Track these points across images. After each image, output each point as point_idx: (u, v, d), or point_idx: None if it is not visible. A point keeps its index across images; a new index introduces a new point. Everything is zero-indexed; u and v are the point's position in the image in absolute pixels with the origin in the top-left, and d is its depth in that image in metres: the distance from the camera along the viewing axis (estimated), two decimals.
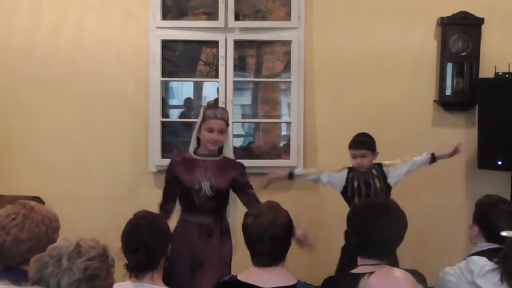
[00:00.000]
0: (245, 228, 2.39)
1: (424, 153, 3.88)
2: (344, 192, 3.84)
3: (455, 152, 3.93)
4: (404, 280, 1.74)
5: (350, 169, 3.83)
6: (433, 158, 3.89)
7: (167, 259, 2.40)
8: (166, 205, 3.50)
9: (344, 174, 3.85)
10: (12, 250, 2.11)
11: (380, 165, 3.85)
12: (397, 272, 1.80)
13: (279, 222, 2.35)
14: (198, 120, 3.49)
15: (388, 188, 3.85)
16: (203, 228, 3.42)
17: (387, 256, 2.35)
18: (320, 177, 3.94)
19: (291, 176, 4.03)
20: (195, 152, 3.49)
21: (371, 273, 1.80)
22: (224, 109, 3.62)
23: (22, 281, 1.67)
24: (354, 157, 3.77)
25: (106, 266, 1.66)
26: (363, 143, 3.79)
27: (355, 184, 3.80)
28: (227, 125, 3.46)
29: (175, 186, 3.48)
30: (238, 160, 3.62)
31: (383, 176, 3.82)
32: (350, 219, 2.46)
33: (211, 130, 3.38)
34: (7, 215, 2.15)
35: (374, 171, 3.82)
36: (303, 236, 3.19)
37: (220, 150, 3.50)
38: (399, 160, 3.87)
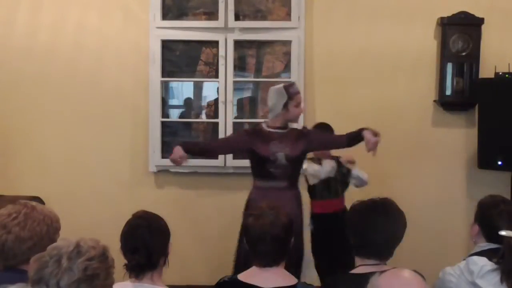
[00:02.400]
0: (246, 228, 2.39)
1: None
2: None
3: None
4: (414, 280, 1.74)
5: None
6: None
7: (166, 258, 2.40)
8: (212, 146, 3.86)
9: None
10: (13, 249, 2.11)
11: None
12: (406, 273, 1.80)
13: (280, 222, 2.35)
14: (281, 99, 3.66)
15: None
16: (278, 191, 3.61)
17: (387, 256, 2.35)
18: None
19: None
20: (267, 126, 3.75)
21: (381, 273, 1.79)
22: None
23: (23, 281, 1.67)
24: None
25: (106, 266, 1.66)
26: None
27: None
28: None
29: (239, 148, 3.84)
30: (302, 127, 3.97)
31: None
32: (349, 219, 2.46)
33: (298, 105, 3.69)
34: (9, 214, 2.16)
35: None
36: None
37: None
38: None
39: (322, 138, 3.90)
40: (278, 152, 3.64)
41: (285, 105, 3.66)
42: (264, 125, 3.77)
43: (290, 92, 3.66)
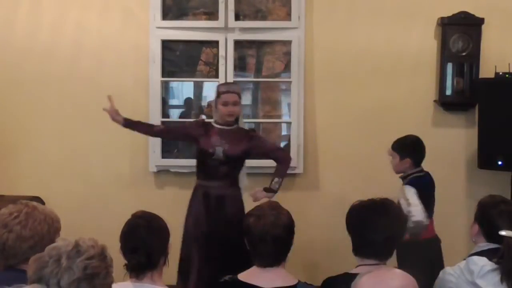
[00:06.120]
0: (247, 228, 2.39)
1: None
2: None
3: None
4: (392, 280, 1.73)
5: None
6: None
7: (166, 258, 2.40)
8: (160, 128, 4.00)
9: None
10: (14, 248, 2.11)
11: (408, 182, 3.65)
12: (389, 272, 1.79)
13: (281, 223, 2.35)
14: (214, 96, 3.89)
15: None
16: (216, 190, 3.77)
17: (386, 256, 2.35)
18: None
19: None
20: (214, 121, 3.90)
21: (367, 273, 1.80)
22: (236, 84, 4.07)
23: (23, 281, 1.67)
24: None
25: (105, 266, 1.66)
26: (394, 142, 3.75)
27: None
28: (240, 97, 3.85)
29: (184, 136, 3.99)
30: (249, 128, 4.09)
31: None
32: (349, 219, 2.46)
33: (225, 104, 3.76)
34: (10, 213, 2.16)
35: (402, 183, 3.67)
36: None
37: (236, 121, 3.89)
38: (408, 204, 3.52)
39: (266, 147, 3.97)
40: (217, 146, 3.75)
41: (216, 103, 3.84)
42: (212, 121, 3.91)
43: (219, 90, 3.84)
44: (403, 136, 3.78)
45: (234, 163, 3.82)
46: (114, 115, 3.84)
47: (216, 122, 3.88)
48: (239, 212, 3.79)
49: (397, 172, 3.76)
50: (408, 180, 3.67)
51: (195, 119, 3.97)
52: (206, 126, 3.88)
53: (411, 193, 3.52)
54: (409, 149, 3.73)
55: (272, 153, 3.95)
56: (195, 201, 3.84)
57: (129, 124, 3.88)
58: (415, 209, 3.43)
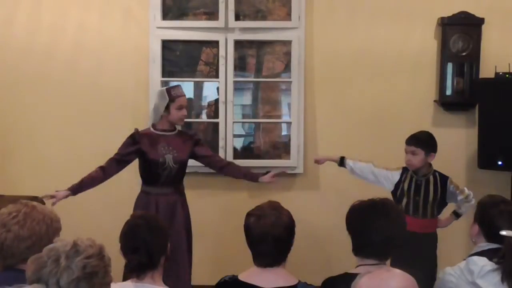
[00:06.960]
0: (247, 228, 2.38)
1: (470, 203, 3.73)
2: (394, 192, 3.76)
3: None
4: (393, 280, 1.73)
5: (405, 169, 3.77)
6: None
7: (167, 258, 2.40)
8: (110, 168, 3.78)
9: (395, 174, 3.77)
10: (12, 248, 2.11)
11: (444, 177, 3.74)
12: (389, 272, 1.79)
13: (282, 223, 2.34)
14: (162, 101, 3.74)
15: (442, 204, 3.75)
16: (166, 198, 3.74)
17: (386, 256, 2.35)
18: (367, 175, 3.85)
19: (342, 161, 3.97)
20: (154, 128, 3.81)
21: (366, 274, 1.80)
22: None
23: (21, 281, 1.67)
24: (406, 152, 3.72)
25: (104, 265, 1.67)
26: (415, 139, 3.70)
27: (406, 184, 3.73)
28: None
29: (130, 156, 3.80)
30: (191, 132, 4.10)
31: (442, 189, 3.70)
32: (349, 219, 2.46)
33: (181, 108, 3.74)
34: (9, 213, 2.16)
35: (431, 178, 3.72)
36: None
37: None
38: (465, 190, 3.76)
39: (209, 153, 3.97)
40: (166, 154, 3.71)
41: (167, 107, 3.74)
42: (151, 128, 3.82)
43: (172, 94, 3.74)
44: (417, 132, 3.79)
45: (182, 168, 3.83)
46: (61, 197, 3.66)
47: (156, 128, 3.80)
48: (187, 218, 3.86)
49: (417, 168, 3.73)
50: (441, 174, 3.75)
51: (130, 134, 3.81)
52: (146, 135, 3.78)
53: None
54: (433, 143, 3.76)
55: (216, 158, 4.03)
56: (145, 208, 3.70)
57: (77, 189, 3.71)
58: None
